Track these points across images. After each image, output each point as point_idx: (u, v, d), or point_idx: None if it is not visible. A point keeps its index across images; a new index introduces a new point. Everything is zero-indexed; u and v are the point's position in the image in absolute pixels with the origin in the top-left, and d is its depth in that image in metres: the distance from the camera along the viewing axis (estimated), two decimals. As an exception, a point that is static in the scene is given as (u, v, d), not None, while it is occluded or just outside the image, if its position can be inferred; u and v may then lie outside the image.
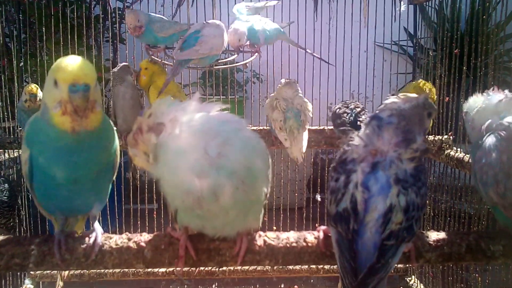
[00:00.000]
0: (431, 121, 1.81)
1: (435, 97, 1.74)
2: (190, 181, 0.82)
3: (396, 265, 2.16)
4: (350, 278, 0.78)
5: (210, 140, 0.83)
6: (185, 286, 2.32)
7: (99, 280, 2.14)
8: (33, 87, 1.79)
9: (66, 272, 2.08)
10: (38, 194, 1.00)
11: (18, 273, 2.04)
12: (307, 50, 1.94)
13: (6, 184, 1.73)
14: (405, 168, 0.80)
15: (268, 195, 0.98)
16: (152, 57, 1.75)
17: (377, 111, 0.88)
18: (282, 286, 2.36)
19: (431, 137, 1.87)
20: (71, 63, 0.84)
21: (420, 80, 1.80)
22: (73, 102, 0.84)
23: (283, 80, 1.67)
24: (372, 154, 0.82)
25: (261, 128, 1.98)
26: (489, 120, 1.01)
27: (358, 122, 1.56)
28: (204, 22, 1.63)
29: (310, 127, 1.80)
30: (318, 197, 2.56)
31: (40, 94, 1.80)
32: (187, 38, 1.57)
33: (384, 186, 0.79)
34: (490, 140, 0.98)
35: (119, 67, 1.79)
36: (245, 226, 0.96)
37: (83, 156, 0.90)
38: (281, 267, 2.13)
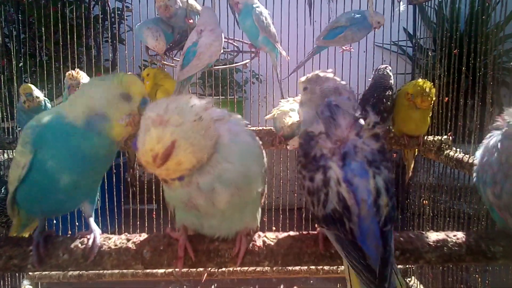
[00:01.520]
0: (430, 120, 1.81)
1: (435, 96, 1.74)
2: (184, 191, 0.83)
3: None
4: (368, 275, 0.75)
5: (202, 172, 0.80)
6: (184, 287, 2.32)
7: (98, 281, 2.14)
8: (28, 86, 1.78)
9: (65, 273, 2.08)
10: (24, 197, 0.98)
11: (17, 274, 2.03)
12: (278, 76, 1.94)
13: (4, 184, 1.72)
14: (370, 148, 0.79)
15: (265, 193, 0.98)
16: (151, 58, 1.74)
17: (323, 98, 0.86)
18: (282, 286, 2.35)
19: (430, 138, 1.87)
20: (139, 80, 0.95)
21: (420, 79, 1.80)
22: (141, 114, 0.90)
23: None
24: (338, 144, 0.79)
25: (260, 128, 1.98)
26: None
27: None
28: (201, 28, 1.61)
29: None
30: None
31: (35, 92, 1.79)
32: (186, 54, 1.58)
33: (362, 174, 0.77)
34: (494, 138, 0.98)
35: None
36: (242, 225, 0.96)
37: (100, 162, 0.95)
38: (280, 268, 2.12)
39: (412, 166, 2.00)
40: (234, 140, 0.85)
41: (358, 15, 1.80)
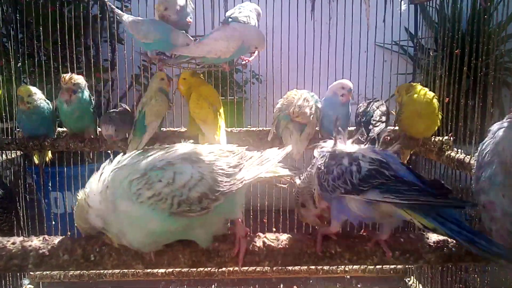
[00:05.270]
0: (438, 121, 1.81)
1: (431, 95, 1.73)
2: None
3: (395, 265, 2.15)
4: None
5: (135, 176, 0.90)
6: (185, 286, 2.32)
7: (98, 281, 2.13)
8: (24, 89, 1.76)
9: (65, 272, 2.08)
10: None
11: (18, 274, 2.03)
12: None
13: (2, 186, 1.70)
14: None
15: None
16: (151, 58, 1.73)
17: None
18: (281, 286, 2.35)
19: (431, 138, 1.86)
20: None
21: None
22: None
23: None
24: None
25: (260, 129, 1.98)
26: None
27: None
28: (224, 23, 1.62)
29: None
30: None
31: (31, 97, 1.76)
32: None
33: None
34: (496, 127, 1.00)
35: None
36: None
37: None
38: (280, 268, 2.12)
39: (407, 158, 1.99)
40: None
41: None
